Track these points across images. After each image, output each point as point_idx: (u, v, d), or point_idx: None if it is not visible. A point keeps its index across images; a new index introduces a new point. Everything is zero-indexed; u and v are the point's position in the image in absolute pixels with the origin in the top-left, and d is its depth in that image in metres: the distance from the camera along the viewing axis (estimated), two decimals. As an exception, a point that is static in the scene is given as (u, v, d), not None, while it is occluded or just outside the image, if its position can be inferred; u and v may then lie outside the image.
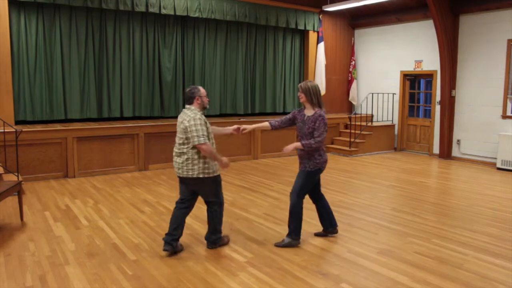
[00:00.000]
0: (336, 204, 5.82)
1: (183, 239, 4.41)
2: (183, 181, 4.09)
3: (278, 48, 10.65)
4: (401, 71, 10.60)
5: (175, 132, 8.86)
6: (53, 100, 7.89)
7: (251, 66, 10.34)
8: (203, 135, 3.87)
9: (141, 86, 8.79)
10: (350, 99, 11.69)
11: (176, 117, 9.17)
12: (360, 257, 3.99)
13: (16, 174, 6.25)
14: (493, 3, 8.52)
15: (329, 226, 4.52)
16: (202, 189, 4.11)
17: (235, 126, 4.49)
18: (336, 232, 4.56)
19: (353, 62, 11.58)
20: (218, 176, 4.12)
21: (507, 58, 8.51)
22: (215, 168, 4.05)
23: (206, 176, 3.98)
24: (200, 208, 5.56)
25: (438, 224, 4.99)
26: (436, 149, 9.93)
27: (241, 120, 8.98)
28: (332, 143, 10.71)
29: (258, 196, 6.24)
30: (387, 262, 3.90)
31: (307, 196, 4.43)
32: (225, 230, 4.63)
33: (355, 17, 11.52)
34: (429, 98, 10.31)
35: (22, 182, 5.60)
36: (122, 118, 8.74)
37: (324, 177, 7.53)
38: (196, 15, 8.92)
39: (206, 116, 10.33)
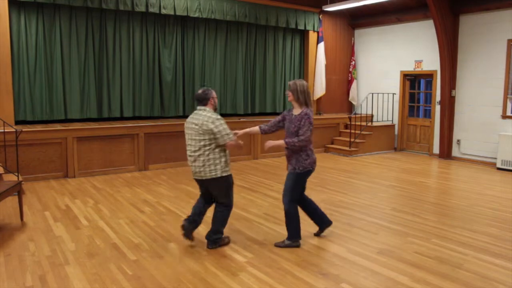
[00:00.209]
0: (336, 204, 5.83)
1: (182, 239, 4.41)
2: (204, 183, 4.12)
3: (278, 48, 10.65)
4: (401, 71, 10.60)
5: (175, 132, 8.90)
6: (53, 100, 7.89)
7: (251, 66, 10.34)
8: (229, 132, 4.01)
9: (141, 86, 8.79)
10: (350, 99, 11.68)
11: (176, 117, 9.24)
12: (360, 257, 3.99)
13: (16, 174, 6.25)
14: (493, 3, 8.52)
15: (321, 222, 4.49)
16: (219, 189, 4.14)
17: None
18: (330, 223, 4.54)
19: (353, 62, 11.58)
20: (231, 175, 4.22)
21: (507, 58, 8.51)
22: (229, 167, 4.15)
23: (225, 174, 4.07)
24: (200, 208, 5.56)
25: (438, 224, 4.99)
26: (436, 149, 9.93)
27: (241, 120, 8.98)
28: (332, 143, 10.70)
29: (258, 196, 6.24)
30: (387, 262, 3.90)
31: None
32: (226, 230, 4.64)
33: (355, 17, 11.52)
34: (429, 98, 10.31)
35: (22, 182, 5.60)
36: (122, 118, 8.74)
37: (324, 177, 7.56)
38: (196, 15, 8.92)
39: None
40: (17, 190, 4.89)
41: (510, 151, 8.28)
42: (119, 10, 8.27)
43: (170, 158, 8.33)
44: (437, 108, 9.80)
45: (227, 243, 4.30)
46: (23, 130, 6.70)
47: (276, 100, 10.69)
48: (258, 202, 5.90)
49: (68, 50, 7.96)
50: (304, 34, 11.06)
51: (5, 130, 6.45)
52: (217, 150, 3.99)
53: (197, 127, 3.97)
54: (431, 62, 9.89)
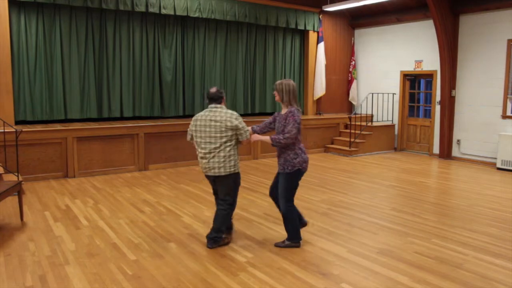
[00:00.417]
0: (336, 204, 5.83)
1: (182, 239, 4.41)
2: (218, 179, 4.19)
3: (278, 48, 10.65)
4: (401, 71, 10.60)
5: (175, 132, 8.89)
6: (53, 100, 7.89)
7: (251, 66, 10.34)
8: (247, 129, 4.22)
9: (141, 86, 8.79)
10: (350, 99, 11.69)
11: (176, 117, 9.24)
12: (360, 257, 3.99)
13: (16, 174, 6.25)
14: (493, 3, 8.52)
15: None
16: (229, 184, 4.23)
17: None
18: (306, 224, 4.47)
19: (353, 62, 11.58)
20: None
21: (507, 58, 8.51)
22: None
23: (238, 171, 4.22)
24: (199, 208, 5.57)
25: (438, 224, 4.99)
26: (436, 149, 9.93)
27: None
28: (332, 143, 10.70)
29: (258, 196, 6.24)
30: (387, 262, 3.90)
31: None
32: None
33: (355, 17, 11.52)
34: (429, 98, 10.31)
35: (22, 182, 5.60)
36: (122, 118, 8.74)
37: (324, 177, 7.57)
38: (196, 15, 8.92)
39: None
40: (17, 190, 4.89)
41: (510, 151, 8.28)
42: (119, 10, 8.27)
43: (170, 158, 8.33)
44: (437, 108, 9.80)
45: (227, 243, 4.30)
46: (23, 130, 6.70)
47: (276, 100, 10.67)
48: (258, 202, 5.90)
49: (68, 50, 7.96)
50: (304, 34, 11.06)
51: (5, 130, 6.45)
52: (235, 146, 4.16)
53: (218, 123, 4.08)
54: (431, 62, 9.89)
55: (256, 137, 4.25)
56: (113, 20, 8.37)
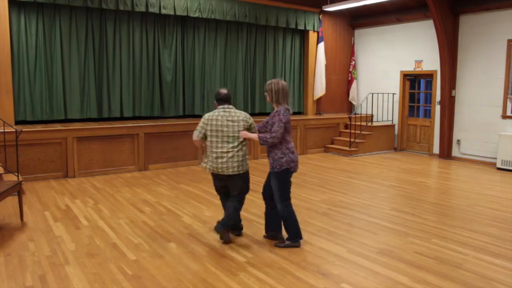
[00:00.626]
0: (336, 204, 5.83)
1: (182, 239, 4.41)
2: (235, 178, 4.28)
3: (278, 48, 10.65)
4: (401, 71, 10.60)
5: (175, 132, 8.90)
6: (53, 100, 7.89)
7: (251, 66, 10.34)
8: None
9: (141, 86, 8.79)
10: (350, 99, 11.69)
11: (176, 117, 9.24)
12: (360, 257, 3.99)
13: (16, 174, 6.25)
14: (493, 3, 8.52)
15: (272, 230, 4.39)
16: (246, 182, 4.40)
17: None
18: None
19: (353, 62, 11.58)
20: None
21: (507, 58, 8.51)
22: None
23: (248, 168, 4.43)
24: (199, 208, 5.57)
25: (438, 224, 4.99)
26: (436, 149, 9.94)
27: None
28: (332, 143, 10.70)
29: (258, 196, 6.22)
30: (387, 262, 3.90)
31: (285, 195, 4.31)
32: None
33: (355, 17, 11.52)
34: (429, 98, 10.31)
35: (22, 182, 5.60)
36: (122, 118, 8.74)
37: (324, 177, 7.57)
38: (196, 15, 8.92)
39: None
40: (17, 190, 4.89)
41: (510, 151, 8.28)
42: (119, 10, 8.27)
43: (170, 158, 8.33)
44: (437, 108, 9.80)
45: (227, 241, 4.29)
46: (23, 130, 6.70)
47: (276, 100, 10.68)
48: (258, 202, 5.90)
49: (68, 50, 7.96)
50: (304, 34, 11.06)
51: (5, 130, 6.45)
52: (247, 145, 4.34)
53: (236, 123, 4.23)
54: (431, 62, 9.89)
55: (245, 133, 4.25)
56: (113, 20, 8.37)
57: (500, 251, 4.18)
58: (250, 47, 10.25)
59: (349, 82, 11.68)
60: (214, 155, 4.23)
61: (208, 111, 9.51)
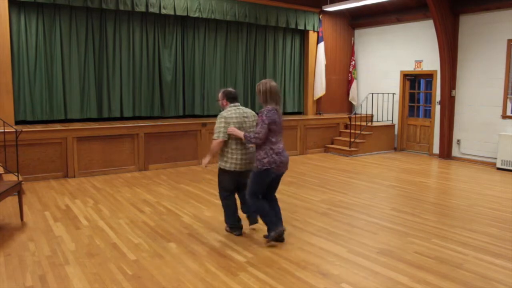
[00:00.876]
0: (336, 204, 5.83)
1: (182, 239, 4.42)
2: (250, 173, 4.35)
3: (278, 48, 10.65)
4: (401, 71, 10.60)
5: (175, 132, 8.90)
6: (53, 100, 7.89)
7: (251, 66, 10.34)
8: None
9: (141, 86, 8.79)
10: (350, 99, 11.69)
11: (176, 117, 9.25)
12: (360, 257, 3.99)
13: (16, 174, 6.25)
14: (493, 3, 8.52)
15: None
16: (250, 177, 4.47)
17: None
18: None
19: (353, 62, 11.58)
20: None
21: (507, 58, 8.51)
22: None
23: None
24: (199, 208, 5.57)
25: (438, 224, 4.99)
26: (436, 149, 9.93)
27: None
28: (332, 143, 10.70)
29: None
30: (387, 262, 3.90)
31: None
32: (224, 230, 4.66)
33: (355, 17, 11.52)
34: (429, 98, 10.31)
35: (22, 182, 5.60)
36: (122, 118, 8.74)
37: (324, 177, 7.57)
38: (196, 15, 8.92)
39: (207, 115, 10.33)
40: (17, 190, 4.89)
41: (510, 151, 8.28)
42: (119, 10, 8.27)
43: (170, 158, 8.33)
44: (437, 108, 9.80)
45: (237, 233, 4.47)
46: (23, 130, 6.70)
47: (276, 100, 10.68)
48: (258, 202, 5.90)
49: (68, 50, 7.96)
50: (304, 34, 11.06)
51: (5, 130, 6.45)
52: None
53: (248, 119, 4.38)
54: (431, 62, 9.89)
55: (233, 129, 4.27)
56: (113, 20, 8.37)
57: (500, 251, 4.18)
58: (250, 47, 10.25)
59: (349, 82, 11.68)
60: (239, 151, 4.30)
61: (208, 111, 9.63)
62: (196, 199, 5.99)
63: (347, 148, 10.06)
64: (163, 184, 6.95)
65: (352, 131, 10.20)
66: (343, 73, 11.75)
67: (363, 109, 10.93)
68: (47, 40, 7.78)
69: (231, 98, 4.44)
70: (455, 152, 9.57)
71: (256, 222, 4.67)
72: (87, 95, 8.22)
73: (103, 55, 8.35)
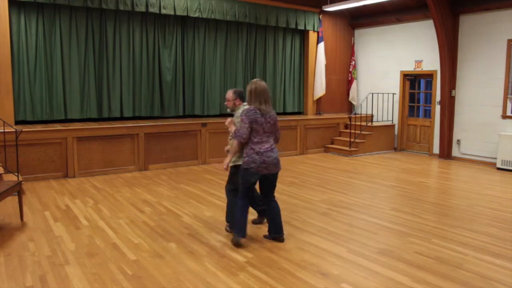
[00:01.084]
0: (336, 204, 5.83)
1: (182, 239, 4.42)
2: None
3: (278, 48, 10.65)
4: (401, 71, 10.60)
5: (175, 132, 8.91)
6: (53, 100, 7.89)
7: (251, 66, 10.33)
8: None
9: (141, 86, 8.79)
10: (350, 99, 11.69)
11: (176, 117, 9.25)
12: (360, 257, 3.99)
13: (16, 174, 6.25)
14: (493, 3, 8.52)
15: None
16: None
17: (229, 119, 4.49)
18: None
19: (353, 62, 11.58)
20: None
21: (507, 58, 8.51)
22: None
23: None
24: (199, 208, 5.57)
25: (438, 224, 4.99)
26: (436, 149, 9.93)
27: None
28: (332, 143, 10.70)
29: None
30: (387, 262, 3.90)
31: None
32: (223, 230, 4.65)
33: (355, 17, 11.52)
34: (429, 98, 10.31)
35: (22, 182, 5.60)
36: (122, 118, 8.74)
37: (324, 177, 7.57)
38: (196, 15, 8.92)
39: (207, 115, 10.31)
40: (17, 190, 4.89)
41: (510, 151, 8.28)
42: (119, 10, 8.27)
43: (170, 158, 8.33)
44: (437, 108, 9.80)
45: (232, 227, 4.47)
46: (23, 130, 6.70)
47: (276, 100, 10.69)
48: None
49: (68, 50, 7.96)
50: (304, 34, 11.06)
51: (5, 130, 6.45)
52: None
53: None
54: (431, 62, 9.89)
55: (228, 121, 4.35)
56: (113, 20, 8.37)
57: (500, 251, 4.18)
58: (250, 47, 10.25)
59: (349, 82, 11.68)
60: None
61: (208, 111, 9.64)
62: (196, 199, 5.99)
63: (347, 148, 10.06)
64: (163, 184, 6.95)
65: (352, 131, 10.20)
66: (343, 73, 11.75)
67: (363, 109, 10.93)
68: (47, 40, 7.78)
69: (243, 98, 4.50)
70: (455, 152, 9.57)
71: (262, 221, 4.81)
72: (87, 95, 8.22)
73: (103, 55, 8.35)
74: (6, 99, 7.19)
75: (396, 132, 10.82)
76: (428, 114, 10.39)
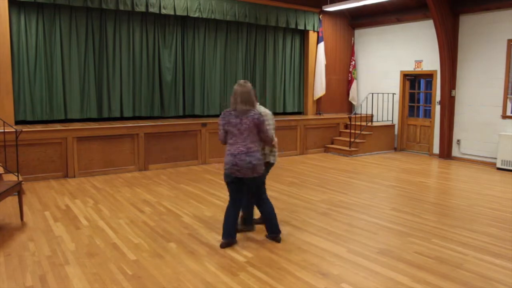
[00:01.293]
0: (336, 204, 5.83)
1: (182, 239, 4.42)
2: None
3: (278, 48, 10.65)
4: (401, 71, 10.60)
5: (175, 132, 8.93)
6: (53, 100, 7.89)
7: (251, 66, 10.34)
8: None
9: (141, 86, 8.79)
10: (350, 99, 11.69)
11: (176, 117, 9.26)
12: (360, 257, 3.99)
13: (16, 174, 6.25)
14: (493, 3, 8.52)
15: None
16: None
17: None
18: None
19: (353, 62, 11.58)
20: None
21: (507, 58, 8.51)
22: None
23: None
24: (199, 208, 5.57)
25: (438, 224, 4.99)
26: (436, 149, 9.94)
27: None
28: (332, 143, 10.70)
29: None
30: (387, 262, 3.90)
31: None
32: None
33: (355, 17, 11.52)
34: (429, 98, 10.31)
35: (22, 182, 5.60)
36: (122, 118, 8.74)
37: (324, 177, 7.57)
38: (196, 15, 8.92)
39: (207, 115, 10.31)
40: (17, 190, 4.89)
41: (510, 151, 8.28)
42: (119, 10, 8.27)
43: (170, 158, 8.33)
44: (437, 108, 9.80)
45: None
46: (23, 130, 6.70)
47: (276, 100, 10.69)
48: (258, 202, 5.89)
49: (68, 50, 7.96)
50: (304, 34, 11.06)
51: (5, 130, 6.45)
52: None
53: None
54: (431, 62, 9.89)
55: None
56: (113, 20, 8.37)
57: (500, 251, 4.18)
58: (250, 47, 10.25)
59: (349, 82, 11.68)
60: (275, 148, 4.59)
61: (208, 111, 9.64)
62: (196, 199, 5.99)
63: (347, 148, 10.06)
64: (163, 184, 6.95)
65: (352, 131, 10.20)
66: (343, 73, 11.75)
67: (363, 109, 10.93)
68: (47, 40, 7.78)
69: (257, 97, 4.53)
70: (455, 152, 9.57)
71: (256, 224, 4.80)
72: (87, 95, 8.22)
73: (103, 55, 8.35)
74: (6, 99, 7.19)
75: (396, 132, 10.82)
76: (428, 114, 10.39)
